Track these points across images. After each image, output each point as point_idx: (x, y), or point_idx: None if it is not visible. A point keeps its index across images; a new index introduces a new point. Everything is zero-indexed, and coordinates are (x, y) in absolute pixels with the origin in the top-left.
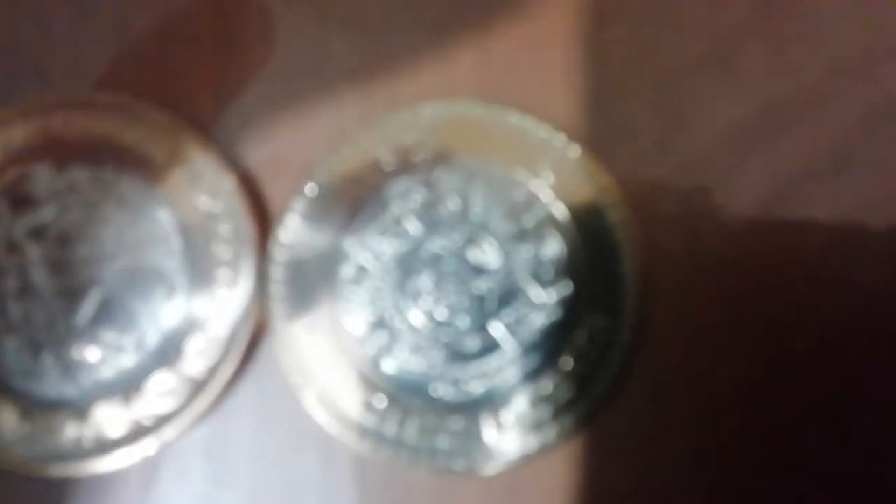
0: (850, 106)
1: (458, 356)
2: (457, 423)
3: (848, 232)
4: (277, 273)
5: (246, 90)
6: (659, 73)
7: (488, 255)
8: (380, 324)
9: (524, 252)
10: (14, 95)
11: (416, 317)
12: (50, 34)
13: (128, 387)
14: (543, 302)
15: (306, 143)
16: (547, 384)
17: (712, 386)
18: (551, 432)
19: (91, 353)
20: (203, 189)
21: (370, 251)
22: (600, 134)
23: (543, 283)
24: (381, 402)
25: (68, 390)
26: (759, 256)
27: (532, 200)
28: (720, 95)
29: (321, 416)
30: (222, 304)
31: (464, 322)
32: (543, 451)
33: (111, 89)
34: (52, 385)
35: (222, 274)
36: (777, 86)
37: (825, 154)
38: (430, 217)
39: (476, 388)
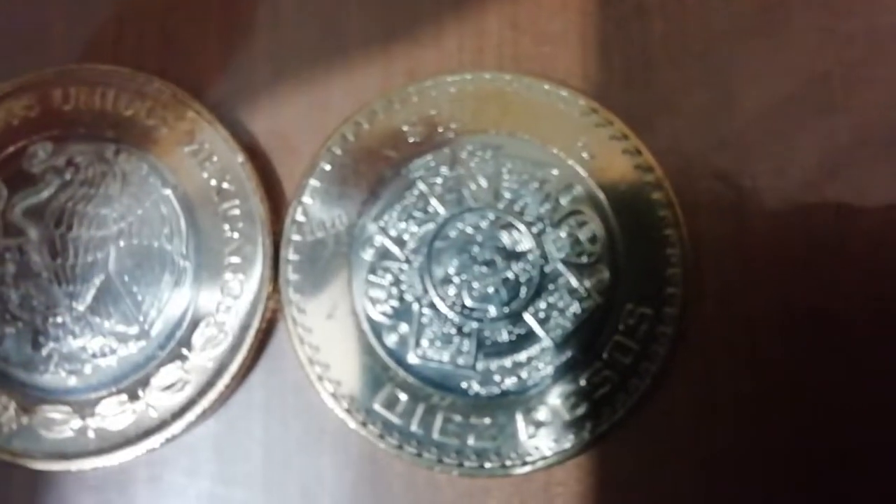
0: None
1: (488, 347)
2: (487, 419)
3: None
4: (292, 255)
5: (255, 62)
6: (703, 43)
7: (520, 237)
8: (403, 311)
9: (559, 235)
10: (12, 69)
11: (443, 304)
12: (49, 6)
13: (132, 379)
14: (580, 289)
15: (321, 117)
16: (583, 378)
17: (758, 381)
18: (587, 430)
19: (93, 343)
20: (210, 166)
21: (393, 232)
22: (640, 108)
23: (580, 269)
24: (404, 396)
25: (69, 382)
26: (810, 241)
27: (567, 179)
28: (767, 67)
29: (338, 411)
30: (233, 290)
31: (494, 310)
32: (579, 449)
33: (112, 63)
34: (52, 376)
35: (232, 256)
36: (825, 57)
37: (876, 126)
38: (458, 197)
39: (507, 381)
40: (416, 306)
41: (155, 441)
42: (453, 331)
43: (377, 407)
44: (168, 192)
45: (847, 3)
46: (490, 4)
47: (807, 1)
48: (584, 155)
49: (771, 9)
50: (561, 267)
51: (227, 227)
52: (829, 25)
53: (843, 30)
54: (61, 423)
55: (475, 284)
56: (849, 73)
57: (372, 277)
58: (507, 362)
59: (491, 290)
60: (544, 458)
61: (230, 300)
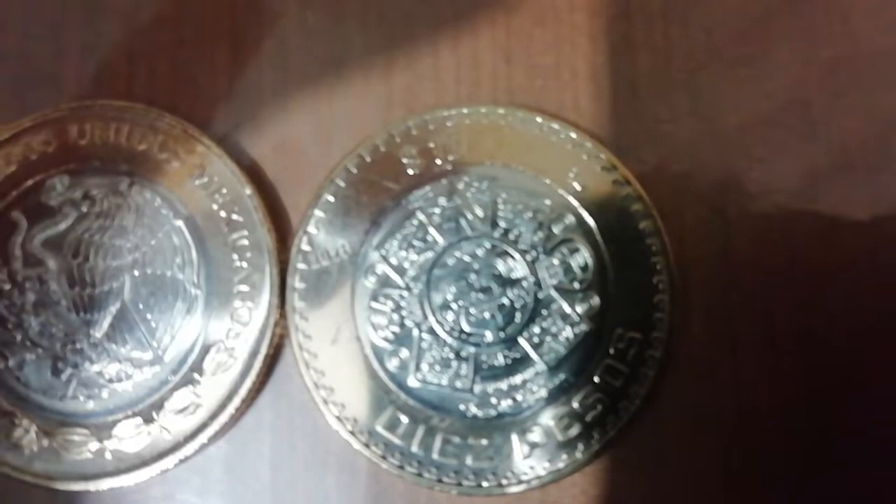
0: (880, 100)
1: (485, 370)
2: (484, 440)
3: (887, 233)
4: (298, 283)
5: (261, 97)
6: (687, 74)
7: (515, 265)
8: (404, 336)
9: (552, 262)
10: (29, 105)
11: (442, 329)
12: (63, 44)
13: (147, 402)
14: (572, 315)
15: (324, 150)
16: (576, 401)
17: (745, 402)
18: (580, 450)
19: (110, 368)
20: (220, 198)
21: (394, 261)
22: (628, 138)
23: (572, 295)
24: (405, 418)
25: (88, 406)
26: (793, 263)
27: (560, 209)
28: (749, 95)
29: (343, 433)
30: (242, 317)
31: (491, 335)
32: (572, 469)
33: (125, 98)
34: (71, 400)
35: (241, 285)
36: (805, 85)
37: (855, 152)
38: (455, 226)
39: (503, 403)
40: (416, 332)
41: (169, 462)
42: (452, 355)
43: (379, 429)
44: (180, 223)
45: (826, 33)
46: (485, 40)
47: (787, 31)
48: (576, 185)
49: (752, 40)
50: (554, 293)
51: (236, 256)
52: (808, 55)
53: (822, 58)
54: (80, 445)
55: (472, 310)
56: (828, 101)
57: (374, 304)
58: (503, 385)
59: (487, 315)
60: (539, 477)
61: (239, 327)
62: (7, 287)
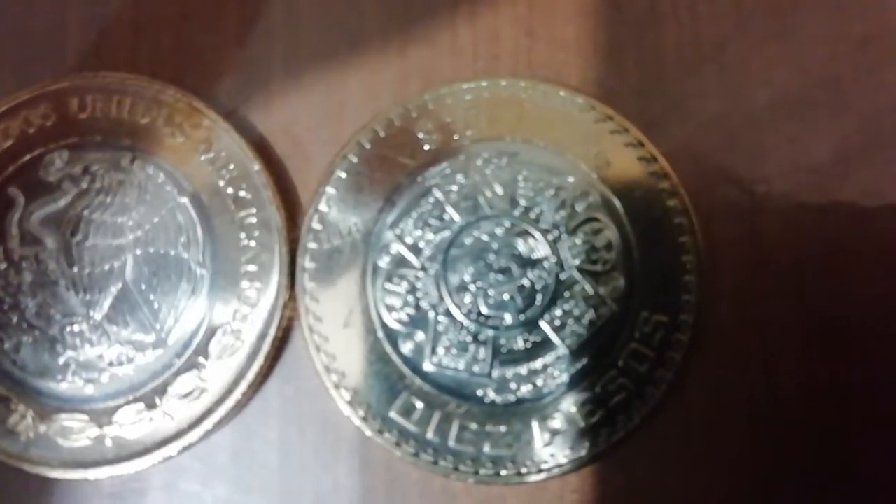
0: None
1: (504, 354)
2: (502, 427)
3: None
4: (308, 263)
5: (271, 71)
6: (715, 48)
7: (536, 245)
8: (419, 319)
9: (575, 242)
10: (29, 78)
11: (459, 312)
12: (66, 16)
13: (149, 387)
14: (596, 296)
15: (336, 125)
16: (599, 386)
17: (774, 388)
18: (603, 437)
19: (110, 351)
20: (227, 174)
21: (409, 240)
22: (654, 114)
23: (596, 277)
24: (420, 404)
25: (87, 390)
26: (824, 244)
27: (583, 186)
28: (778, 71)
29: (355, 419)
30: (249, 298)
31: (510, 317)
32: (594, 457)
33: (128, 71)
34: (69, 385)
35: (249, 265)
36: (837, 61)
37: (887, 128)
38: (474, 204)
39: (523, 389)
40: (431, 314)
41: (172, 449)
42: (469, 338)
43: (393, 415)
44: (184, 200)
45: (858, 8)
46: (505, 12)
47: (818, 5)
48: (600, 162)
49: (782, 14)
50: (577, 274)
51: (243, 235)
52: (840, 30)
53: (854, 34)
54: (78, 432)
55: (491, 292)
56: (860, 77)
57: (388, 285)
58: (523, 370)
59: (507, 297)
60: (560, 465)
61: (247, 308)
62: (3, 266)
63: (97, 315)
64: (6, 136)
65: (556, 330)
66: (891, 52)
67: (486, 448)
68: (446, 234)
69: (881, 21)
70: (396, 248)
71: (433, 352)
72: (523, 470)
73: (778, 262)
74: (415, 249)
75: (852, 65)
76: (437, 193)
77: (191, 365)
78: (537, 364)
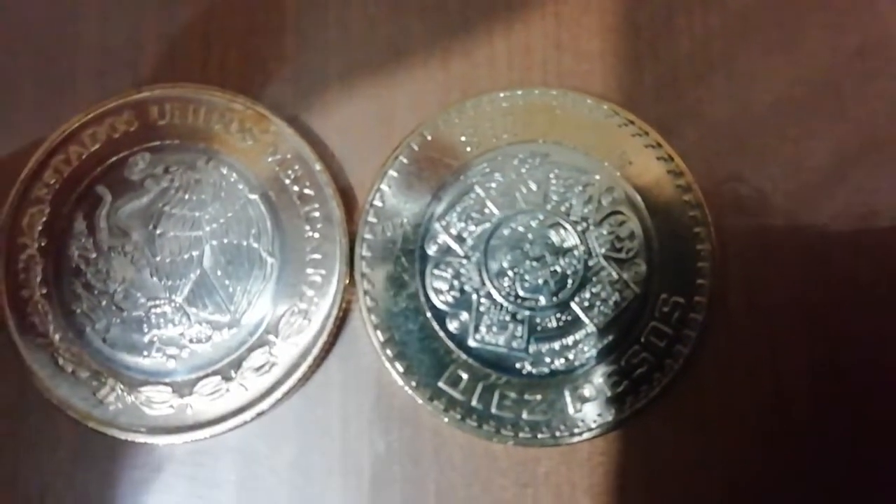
0: None
1: (539, 332)
2: (538, 395)
3: None
4: (365, 252)
5: (327, 82)
6: (725, 58)
7: (567, 235)
8: (463, 301)
9: (601, 232)
10: (109, 90)
11: (498, 294)
12: (141, 32)
13: (226, 362)
14: (620, 281)
15: (387, 129)
16: (623, 359)
17: (778, 364)
18: (627, 404)
19: (191, 330)
20: (292, 173)
21: (454, 231)
22: (671, 118)
23: (620, 263)
24: (465, 375)
25: (169, 365)
26: (825, 237)
27: (608, 183)
28: (783, 79)
29: (408, 389)
30: (314, 283)
31: (544, 299)
32: (619, 422)
33: (200, 81)
34: (153, 360)
35: (313, 254)
36: (836, 69)
37: (884, 130)
38: (511, 199)
39: (557, 362)
40: (474, 296)
41: (246, 416)
42: (508, 318)
43: (442, 385)
44: (255, 196)
45: (856, 22)
46: (536, 27)
47: (818, 20)
48: (623, 162)
49: (785, 27)
50: (603, 261)
51: (307, 227)
52: (838, 42)
53: (851, 45)
54: (162, 402)
55: (527, 277)
56: (857, 85)
57: (436, 271)
58: (556, 345)
59: (541, 281)
60: (589, 429)
61: (311, 292)
62: (93, 256)
63: (178, 298)
64: (94, 140)
65: (585, 310)
66: (886, 63)
67: (524, 414)
68: (487, 225)
69: (877, 33)
70: (443, 238)
71: (476, 330)
72: (557, 434)
73: (783, 252)
74: (459, 239)
75: (850, 74)
76: (479, 190)
77: (262, 342)
78: (569, 340)
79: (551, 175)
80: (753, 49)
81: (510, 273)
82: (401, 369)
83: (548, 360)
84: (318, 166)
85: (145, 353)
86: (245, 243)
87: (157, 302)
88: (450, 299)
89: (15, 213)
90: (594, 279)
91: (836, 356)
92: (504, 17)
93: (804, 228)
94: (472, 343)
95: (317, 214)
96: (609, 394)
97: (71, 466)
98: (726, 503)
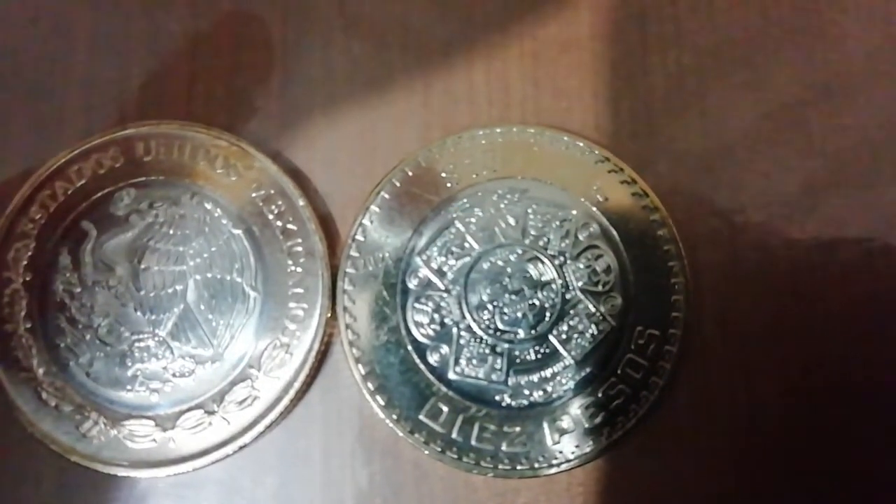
0: (872, 120)
1: (518, 364)
2: (517, 427)
3: (880, 241)
4: (347, 286)
5: (312, 118)
6: (698, 97)
7: (545, 269)
8: (444, 334)
9: (578, 266)
10: (96, 127)
11: (478, 327)
12: (127, 70)
13: (208, 395)
14: (597, 314)
15: (369, 165)
16: (600, 391)
17: (752, 392)
18: (604, 436)
19: (174, 364)
20: (275, 209)
21: (434, 265)
22: (646, 155)
23: (597, 296)
24: (445, 408)
25: (153, 399)
26: (794, 268)
27: (584, 218)
28: (754, 116)
29: (389, 422)
30: (296, 317)
31: (523, 332)
32: (597, 453)
33: (185, 117)
34: (136, 394)
35: (295, 288)
36: (804, 105)
37: (851, 165)
38: (490, 234)
39: (535, 394)
40: (455, 330)
41: (228, 449)
42: (487, 350)
43: (422, 418)
44: (238, 231)
45: (823, 58)
46: (514, 66)
47: (788, 57)
48: (599, 197)
49: (756, 64)
50: (580, 294)
51: (290, 262)
52: (806, 80)
53: (818, 83)
54: (145, 435)
55: (506, 310)
56: (825, 121)
57: (416, 304)
58: (535, 378)
59: (520, 314)
60: (567, 460)
61: (294, 326)
62: (78, 290)
63: (162, 332)
64: (80, 175)
65: (563, 343)
66: (852, 98)
67: (504, 446)
68: (467, 259)
69: (843, 70)
70: (424, 272)
71: (456, 362)
72: (536, 465)
73: (755, 283)
74: (439, 273)
75: (817, 109)
76: (459, 225)
77: (245, 376)
78: (547, 372)
79: (529, 210)
80: (725, 86)
81: (490, 306)
82: (382, 402)
83: (527, 392)
84: (301, 201)
85: (128, 387)
86: (228, 277)
87: (141, 336)
88: (430, 332)
89: (0, 247)
90: (571, 312)
91: (809, 380)
92: (484, 56)
93: (775, 259)
94: (452, 376)
95: (299, 249)
96: (587, 425)
97: (54, 501)
98: None
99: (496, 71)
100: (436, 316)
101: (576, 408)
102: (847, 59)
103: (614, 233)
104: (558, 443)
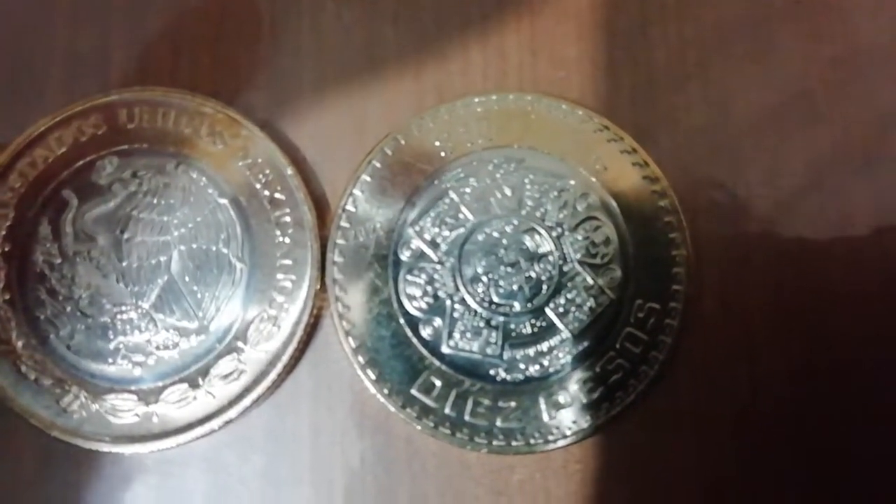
0: (879, 93)
1: (514, 338)
2: (513, 402)
3: (888, 217)
4: (337, 257)
5: (301, 87)
6: (700, 67)
7: (541, 241)
8: (437, 307)
9: (576, 238)
10: (77, 93)
11: (473, 300)
12: (110, 37)
13: (193, 369)
14: (595, 286)
15: (360, 134)
16: (598, 366)
17: (754, 368)
18: (602, 411)
19: (157, 337)
20: (263, 178)
21: (427, 237)
22: (646, 124)
23: (595, 269)
24: (438, 382)
25: (135, 372)
26: (799, 242)
27: (583, 189)
28: (757, 86)
29: (380, 397)
30: (284, 289)
31: (519, 305)
32: (595, 429)
33: (170, 85)
34: (119, 367)
35: (283, 259)
36: (809, 77)
37: (856, 140)
38: (485, 205)
39: (531, 369)
40: (448, 302)
41: (213, 425)
42: (482, 324)
43: (415, 392)
44: (224, 201)
45: (828, 32)
46: (511, 32)
47: (791, 30)
48: (598, 167)
49: (759, 38)
50: (578, 267)
51: (278, 232)
52: (811, 51)
53: (824, 55)
54: (127, 410)
55: (501, 283)
56: (830, 94)
57: (409, 277)
58: (531, 352)
59: (516, 287)
60: (564, 436)
61: (282, 298)
62: (58, 261)
63: (145, 304)
64: (60, 143)
65: (560, 316)
66: (857, 72)
67: (498, 422)
68: (461, 231)
69: (849, 43)
70: (416, 243)
71: (450, 336)
72: (531, 441)
73: (758, 257)
74: (433, 245)
75: (823, 83)
76: (453, 195)
77: (231, 349)
78: (543, 346)
79: (526, 180)
80: (728, 58)
81: (484, 279)
82: (373, 376)
83: (522, 366)
84: (289, 171)
85: (110, 360)
86: (214, 248)
87: (124, 308)
88: (423, 305)
89: None
90: (569, 285)
91: (811, 357)
92: (479, 24)
93: (779, 233)
94: (445, 350)
95: (288, 219)
96: (584, 400)
97: (35, 477)
98: (705, 502)
99: (492, 39)
100: (429, 288)
101: (573, 383)
102: (854, 31)
103: (614, 204)
104: (555, 418)
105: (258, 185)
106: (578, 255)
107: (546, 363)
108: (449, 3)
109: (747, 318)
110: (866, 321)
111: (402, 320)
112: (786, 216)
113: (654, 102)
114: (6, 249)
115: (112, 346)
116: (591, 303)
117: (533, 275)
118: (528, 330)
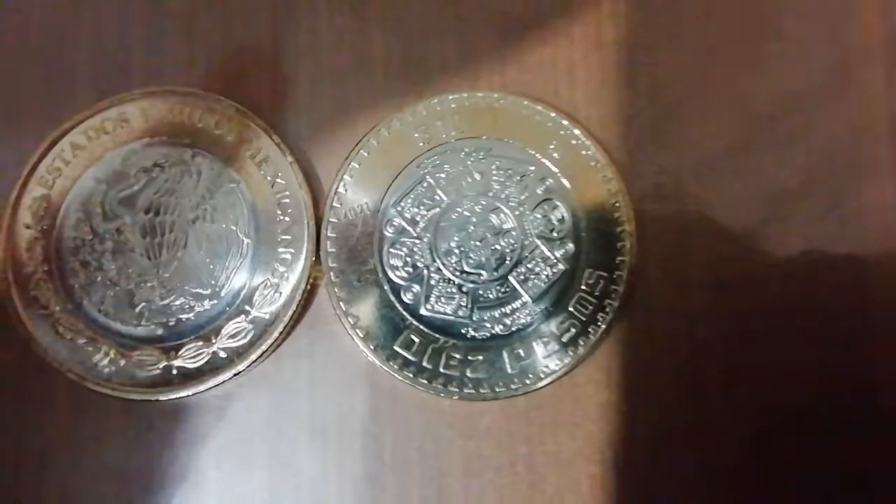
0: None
1: (481, 302)
2: (480, 356)
3: (815, 191)
4: (330, 233)
5: (299, 85)
6: (649, 66)
7: (506, 219)
8: (416, 275)
9: (536, 216)
10: (103, 92)
11: (447, 270)
12: (130, 41)
13: (207, 329)
14: (552, 258)
15: (350, 127)
16: (554, 325)
17: (692, 330)
18: (558, 365)
19: (176, 302)
20: (266, 166)
21: (408, 215)
22: (600, 119)
23: (551, 243)
24: (417, 339)
25: (158, 332)
26: (734, 220)
27: (542, 174)
28: (698, 80)
29: (367, 353)
30: (285, 260)
31: (486, 274)
32: (552, 380)
33: (184, 84)
34: (143, 328)
35: (284, 235)
36: (735, 61)
37: (780, 115)
38: (458, 187)
39: (496, 328)
40: (426, 272)
41: (224, 375)
42: (454, 290)
43: (397, 348)
44: (234, 186)
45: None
46: (485, 40)
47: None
48: (555, 155)
49: (706, 32)
50: (537, 241)
51: (279, 212)
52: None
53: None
54: (151, 364)
55: (472, 255)
56: (755, 79)
57: (392, 250)
58: (496, 313)
59: (484, 259)
60: (525, 385)
61: (282, 268)
62: (90, 237)
63: (166, 274)
64: (89, 137)
65: (521, 283)
66: (780, 54)
67: (468, 373)
68: (437, 210)
69: (773, 24)
70: (398, 221)
71: (427, 300)
72: (496, 389)
73: (697, 233)
74: (412, 222)
75: (749, 70)
76: (430, 179)
77: (239, 312)
78: (507, 309)
79: (493, 167)
80: (673, 52)
81: (457, 251)
82: (361, 335)
83: (489, 325)
84: (289, 159)
85: (136, 322)
86: (224, 226)
87: (147, 278)
88: (404, 274)
89: (18, 199)
90: (529, 256)
91: (746, 326)
92: (455, 31)
93: (715, 212)
94: (423, 312)
95: (287, 201)
96: (542, 355)
97: (70, 422)
98: (649, 447)
99: (467, 44)
100: (409, 260)
101: (532, 340)
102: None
103: (568, 186)
104: (516, 370)
105: (262, 172)
106: (537, 231)
107: (509, 323)
108: (430, 13)
109: (687, 287)
110: (799, 290)
111: (386, 287)
112: (721, 196)
113: (609, 101)
114: (44, 227)
115: (137, 310)
116: (547, 272)
117: (498, 248)
118: (494, 295)
